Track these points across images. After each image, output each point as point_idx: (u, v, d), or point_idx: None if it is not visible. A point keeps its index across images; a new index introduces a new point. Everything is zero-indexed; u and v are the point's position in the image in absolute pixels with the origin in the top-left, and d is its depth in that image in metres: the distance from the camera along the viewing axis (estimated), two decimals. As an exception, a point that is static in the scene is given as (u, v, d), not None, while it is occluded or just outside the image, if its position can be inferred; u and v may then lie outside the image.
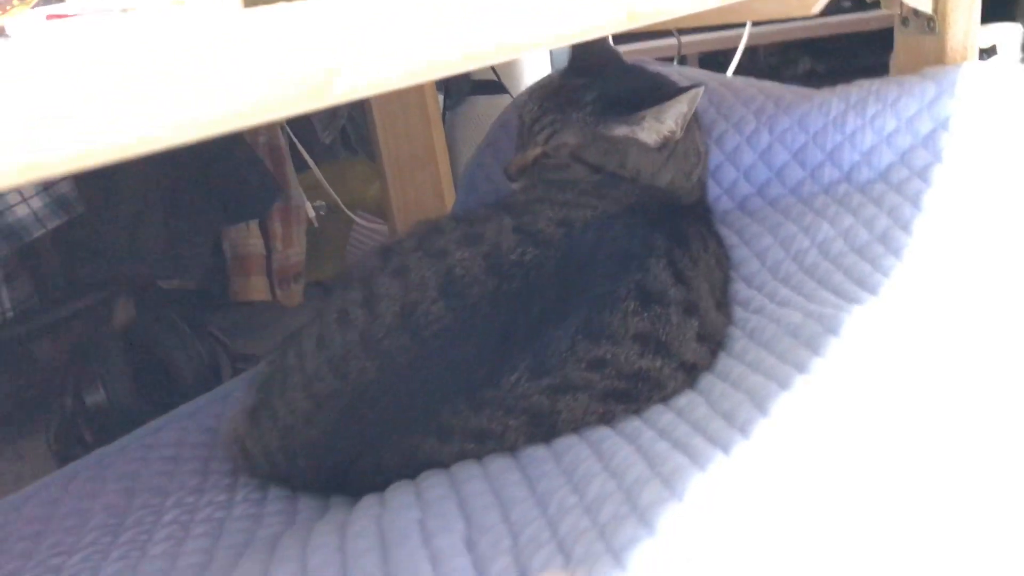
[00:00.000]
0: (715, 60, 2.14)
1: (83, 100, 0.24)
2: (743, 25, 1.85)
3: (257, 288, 1.51)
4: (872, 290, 0.83)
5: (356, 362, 0.69)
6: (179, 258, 1.40)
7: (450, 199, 1.53)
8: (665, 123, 0.86)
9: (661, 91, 0.89)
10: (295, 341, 0.75)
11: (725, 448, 0.60)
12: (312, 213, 1.59)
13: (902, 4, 1.04)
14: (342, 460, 0.69)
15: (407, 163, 1.49)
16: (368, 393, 0.68)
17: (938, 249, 0.86)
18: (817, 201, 0.98)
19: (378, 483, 0.69)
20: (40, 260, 1.31)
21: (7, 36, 0.53)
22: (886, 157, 0.97)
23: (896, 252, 0.87)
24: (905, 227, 0.89)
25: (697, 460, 0.58)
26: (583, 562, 0.51)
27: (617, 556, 0.51)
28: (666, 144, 0.87)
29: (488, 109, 1.76)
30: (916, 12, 1.03)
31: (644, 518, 0.53)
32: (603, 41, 0.96)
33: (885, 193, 0.94)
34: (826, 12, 2.09)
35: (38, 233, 1.13)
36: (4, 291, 1.18)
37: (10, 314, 1.22)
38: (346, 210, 1.66)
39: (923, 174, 0.94)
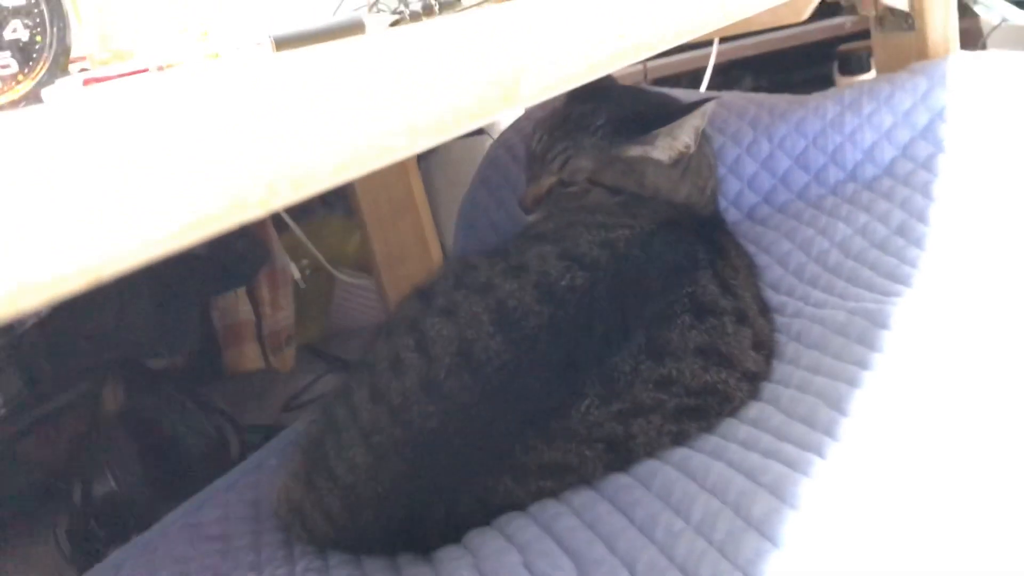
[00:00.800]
0: (676, 83, 2.17)
1: (304, 122, 0.22)
2: (700, 46, 1.89)
3: (250, 357, 1.47)
4: (904, 282, 0.83)
5: (417, 408, 0.66)
6: (169, 334, 1.36)
7: (435, 246, 1.52)
8: (680, 139, 0.86)
9: (668, 109, 0.89)
10: (342, 397, 0.72)
11: (819, 452, 0.59)
12: (297, 274, 1.56)
13: (877, 4, 1.06)
14: (411, 513, 0.67)
15: (387, 213, 1.48)
16: (434, 439, 0.66)
17: (958, 234, 0.87)
18: (827, 203, 0.99)
19: (450, 534, 0.66)
20: (26, 351, 1.26)
21: (41, 102, 0.51)
22: (888, 152, 0.98)
23: (918, 243, 0.88)
24: (921, 217, 0.90)
25: (796, 467, 0.57)
26: (714, 582, 0.49)
27: (747, 572, 0.49)
28: (680, 160, 0.87)
29: (464, 152, 1.75)
30: (892, 11, 1.05)
31: (763, 531, 0.52)
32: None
33: (894, 187, 0.95)
34: (766, 29, 2.14)
35: (32, 320, 1.08)
36: (-5, 387, 1.12)
37: (2, 411, 1.16)
38: (330, 268, 1.64)
39: (928, 164, 0.95)
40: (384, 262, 1.53)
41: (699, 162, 0.90)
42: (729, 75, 2.83)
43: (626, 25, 0.29)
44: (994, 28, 1.50)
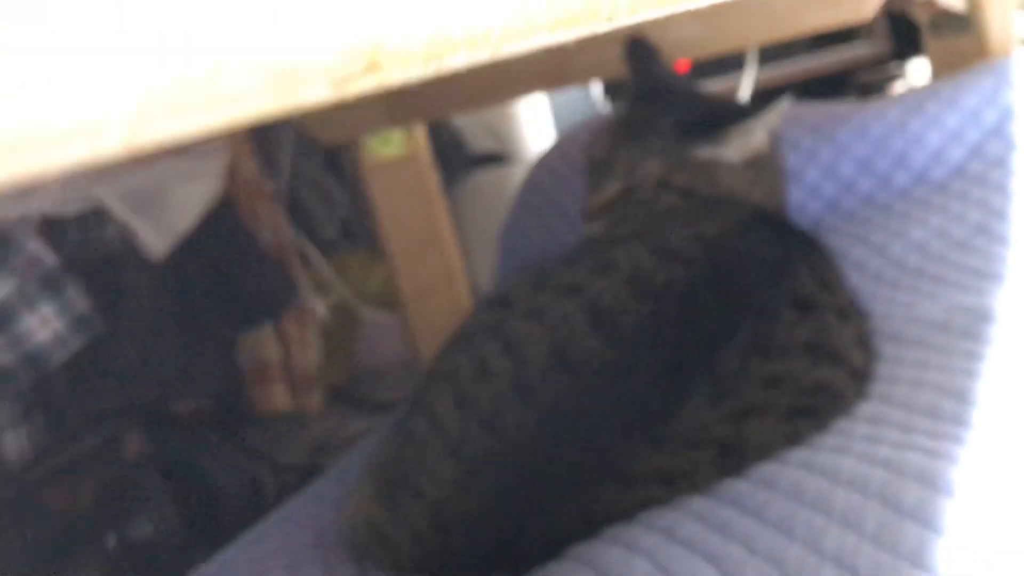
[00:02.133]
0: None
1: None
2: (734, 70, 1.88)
3: (278, 396, 1.41)
4: (996, 279, 0.80)
5: (511, 415, 0.61)
6: (196, 376, 1.30)
7: (462, 279, 1.48)
8: (754, 137, 0.82)
9: (736, 109, 0.86)
10: (419, 411, 0.67)
11: (956, 440, 0.55)
12: (323, 311, 1.52)
13: (932, 8, 1.04)
14: (507, 529, 0.61)
15: (414, 247, 1.44)
16: (530, 447, 0.60)
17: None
18: (897, 207, 0.95)
19: (550, 548, 0.61)
20: (50, 394, 1.20)
21: None
22: (957, 153, 0.95)
23: (1002, 241, 0.85)
24: (1000, 216, 0.87)
25: (938, 456, 0.52)
26: (879, 573, 0.44)
27: (914, 561, 0.44)
28: (752, 162, 0.84)
29: (491, 182, 1.72)
30: (947, 14, 1.03)
31: (920, 520, 0.47)
32: (661, 69, 0.94)
33: (966, 188, 0.92)
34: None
35: (63, 357, 1.03)
36: (24, 430, 1.06)
37: (29, 456, 1.10)
38: (356, 304, 1.59)
39: (1001, 163, 0.92)
40: (411, 297, 1.48)
41: (770, 164, 0.86)
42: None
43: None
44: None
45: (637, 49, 0.97)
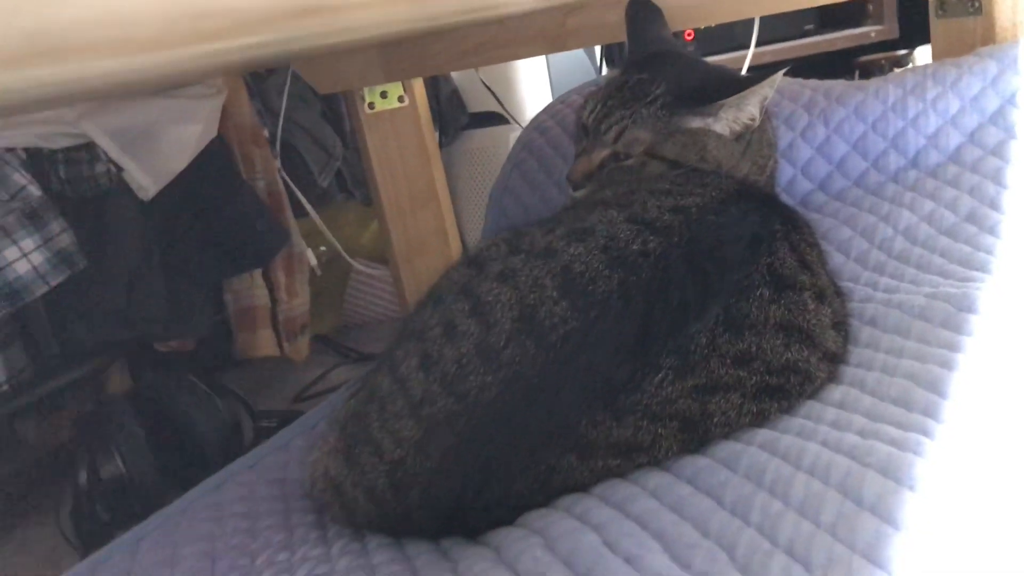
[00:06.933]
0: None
1: None
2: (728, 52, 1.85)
3: (265, 342, 1.41)
4: (981, 268, 0.79)
5: (475, 377, 0.60)
6: (180, 317, 1.30)
7: (454, 237, 1.47)
8: (745, 110, 0.81)
9: (730, 79, 0.84)
10: (386, 367, 0.67)
11: (924, 432, 0.54)
12: (314, 261, 1.51)
13: (940, -12, 1.02)
14: (463, 492, 0.61)
15: (406, 203, 1.42)
16: (492, 410, 0.60)
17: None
18: (887, 190, 0.94)
19: (504, 515, 0.61)
20: (31, 326, 1.20)
21: None
22: (954, 139, 0.94)
23: (991, 230, 0.84)
24: (993, 205, 0.86)
25: (905, 447, 0.52)
26: (830, 566, 0.44)
27: (868, 556, 0.43)
28: (743, 134, 0.82)
29: (486, 141, 1.71)
30: (957, -6, 1.01)
31: (879, 513, 0.46)
32: (660, 34, 0.92)
33: (960, 174, 0.91)
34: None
35: (40, 291, 1.03)
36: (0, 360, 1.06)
37: (5, 387, 1.10)
38: (347, 256, 1.58)
39: (998, 151, 0.91)
40: (401, 253, 1.46)
41: (760, 138, 0.84)
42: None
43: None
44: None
45: (639, 10, 0.95)
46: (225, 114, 1.33)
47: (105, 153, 1.17)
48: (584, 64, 1.76)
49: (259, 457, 0.81)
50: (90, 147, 1.17)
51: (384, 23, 0.68)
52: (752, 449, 0.57)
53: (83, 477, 1.02)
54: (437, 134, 1.61)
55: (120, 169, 1.18)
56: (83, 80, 0.37)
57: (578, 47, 1.39)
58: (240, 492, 0.74)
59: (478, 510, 0.61)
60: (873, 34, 2.05)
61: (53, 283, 1.03)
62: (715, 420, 0.60)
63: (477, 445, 0.60)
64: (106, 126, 1.17)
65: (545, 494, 0.60)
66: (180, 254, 1.28)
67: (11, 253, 0.99)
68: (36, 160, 1.14)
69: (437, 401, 0.61)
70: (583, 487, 0.60)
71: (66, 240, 1.06)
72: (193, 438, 1.12)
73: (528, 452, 0.60)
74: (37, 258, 1.02)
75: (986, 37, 1.00)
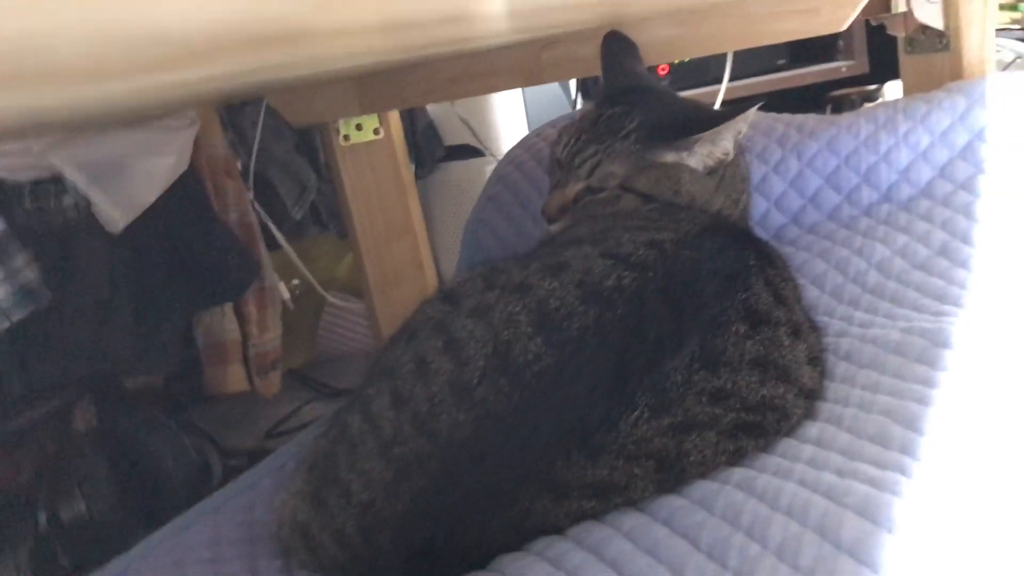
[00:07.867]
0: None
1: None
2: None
3: (235, 378, 1.38)
4: (955, 302, 0.79)
5: (447, 416, 0.59)
6: (149, 351, 1.27)
7: (430, 269, 1.46)
8: (720, 145, 0.81)
9: (704, 114, 0.84)
10: (357, 406, 0.65)
11: (901, 471, 0.53)
12: (287, 295, 1.49)
13: (908, 24, 1.03)
14: (437, 534, 0.59)
15: (382, 235, 1.41)
16: (464, 450, 0.58)
17: (1005, 256, 0.83)
18: (861, 224, 0.94)
19: (477, 559, 0.59)
20: (-6, 363, 1.17)
21: None
22: (925, 173, 0.94)
23: (963, 264, 0.84)
24: (964, 239, 0.86)
25: (882, 487, 0.51)
26: (809, 612, 0.42)
27: (846, 600, 0.43)
28: (717, 169, 0.82)
29: (462, 174, 1.70)
30: (925, 30, 1.02)
31: (858, 556, 0.45)
32: (635, 68, 0.92)
33: (932, 208, 0.91)
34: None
35: (2, 327, 1.00)
36: (-39, 398, 1.03)
37: (-34, 425, 1.07)
38: (320, 290, 1.56)
39: (968, 185, 0.91)
40: (377, 285, 1.45)
41: (734, 173, 0.85)
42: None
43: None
44: (1008, 65, 1.49)
45: (614, 44, 0.95)
46: (198, 145, 1.31)
47: (74, 185, 1.15)
48: (559, 98, 1.77)
49: (226, 498, 0.79)
50: (57, 180, 1.15)
51: (351, 55, 0.67)
52: (729, 489, 0.56)
53: (43, 519, 0.99)
54: (413, 166, 1.60)
55: (89, 202, 1.16)
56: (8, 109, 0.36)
57: (554, 80, 1.39)
58: (206, 535, 0.72)
59: (450, 554, 0.59)
60: (844, 69, 2.09)
61: (15, 319, 1.01)
62: (691, 459, 0.59)
63: (449, 486, 0.59)
64: (75, 158, 1.15)
65: (519, 537, 0.59)
66: (150, 288, 1.25)
67: (-27, 288, 0.96)
68: (1, 192, 1.12)
69: (408, 441, 0.60)
70: (558, 529, 0.59)
71: (30, 275, 1.03)
72: (160, 477, 1.09)
73: (501, 493, 0.59)
74: (0, 293, 0.99)
75: (954, 73, 1.01)
